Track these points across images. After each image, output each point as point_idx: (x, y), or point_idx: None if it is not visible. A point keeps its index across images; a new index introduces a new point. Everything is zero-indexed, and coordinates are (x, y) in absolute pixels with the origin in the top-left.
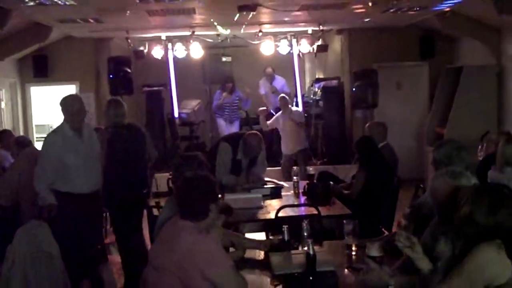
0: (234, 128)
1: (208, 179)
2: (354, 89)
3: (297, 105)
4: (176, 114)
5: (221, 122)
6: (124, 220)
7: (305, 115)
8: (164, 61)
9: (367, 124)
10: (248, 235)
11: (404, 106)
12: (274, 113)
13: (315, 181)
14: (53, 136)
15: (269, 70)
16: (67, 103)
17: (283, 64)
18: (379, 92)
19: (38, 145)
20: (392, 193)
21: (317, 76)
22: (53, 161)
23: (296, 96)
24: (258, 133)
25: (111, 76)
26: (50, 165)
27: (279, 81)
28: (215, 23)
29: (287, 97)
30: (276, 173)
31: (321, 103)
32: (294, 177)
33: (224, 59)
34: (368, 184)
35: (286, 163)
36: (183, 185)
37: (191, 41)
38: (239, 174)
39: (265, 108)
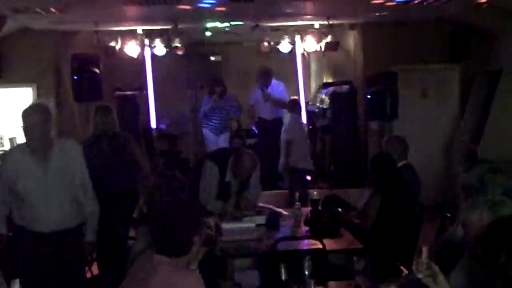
0: (223, 141)
1: (191, 206)
2: (369, 96)
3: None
4: (153, 125)
5: (208, 134)
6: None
7: (310, 127)
8: (140, 60)
9: (385, 139)
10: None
11: (430, 118)
12: (257, 129)
13: (320, 208)
14: (10, 155)
15: (264, 70)
16: (22, 116)
17: (283, 66)
18: (399, 101)
19: None
20: (413, 224)
21: (324, 81)
22: (3, 187)
23: (299, 104)
24: (251, 152)
25: (75, 77)
26: (1, 189)
27: (277, 86)
28: (203, 17)
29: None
30: (273, 197)
31: (329, 112)
32: (295, 204)
33: (212, 58)
34: (384, 212)
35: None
36: (160, 213)
37: (173, 36)
38: (228, 199)
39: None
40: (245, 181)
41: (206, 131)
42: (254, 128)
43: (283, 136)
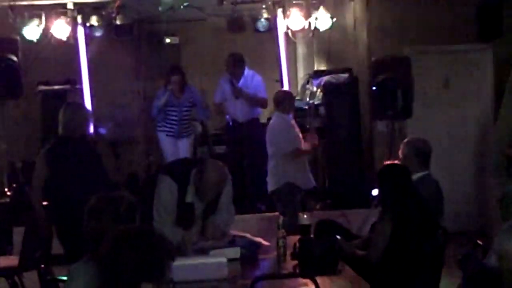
0: (183, 149)
1: (147, 238)
2: (375, 87)
3: None
4: (90, 129)
5: (164, 139)
6: None
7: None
8: (72, 44)
9: (402, 145)
10: None
11: (454, 115)
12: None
13: (312, 236)
14: None
15: (234, 57)
16: None
17: (261, 50)
18: (414, 93)
19: None
20: (434, 255)
21: (316, 68)
22: None
23: None
24: (220, 163)
25: None
26: None
27: (251, 78)
28: None
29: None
30: (251, 223)
31: (322, 110)
32: (280, 231)
33: (168, 40)
34: (396, 241)
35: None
36: (103, 250)
37: (115, 11)
38: (190, 225)
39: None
40: (212, 202)
41: (161, 136)
42: (224, 132)
43: (272, 145)
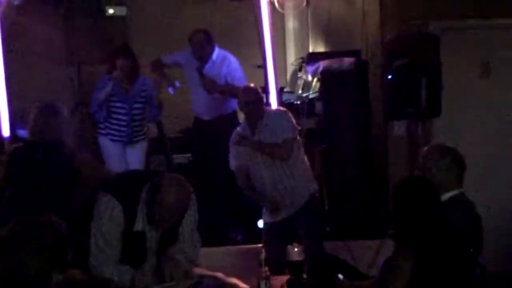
0: (134, 159)
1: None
2: (390, 76)
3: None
4: (5, 130)
5: (106, 145)
6: None
7: None
8: None
9: (425, 153)
10: None
11: (497, 112)
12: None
13: (305, 275)
14: None
15: (199, 36)
16: None
17: (237, 24)
18: (442, 83)
19: None
20: None
21: (311, 50)
22: None
23: (266, 92)
24: (181, 178)
25: None
26: None
27: (221, 61)
28: None
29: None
30: (223, 258)
31: (319, 106)
32: (262, 269)
33: (111, 10)
34: (418, 283)
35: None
36: None
37: None
38: (141, 262)
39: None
40: (171, 231)
41: (104, 141)
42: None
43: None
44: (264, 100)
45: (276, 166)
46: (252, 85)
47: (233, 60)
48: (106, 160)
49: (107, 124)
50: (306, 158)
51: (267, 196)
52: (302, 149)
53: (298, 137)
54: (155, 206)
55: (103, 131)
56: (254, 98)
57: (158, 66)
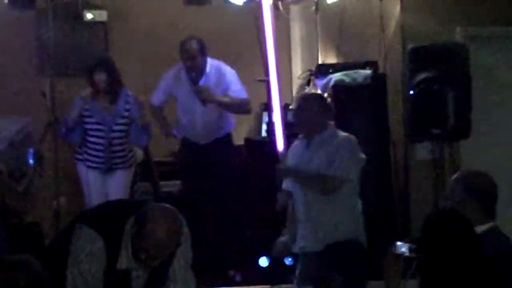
0: (115, 188)
1: None
2: (412, 91)
3: (271, 135)
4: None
5: (84, 173)
6: None
7: None
8: None
9: (452, 179)
10: None
11: None
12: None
13: None
14: None
15: (193, 45)
16: None
17: (233, 33)
18: (472, 99)
19: None
20: None
21: (320, 61)
22: None
23: (268, 109)
24: (171, 208)
25: None
26: None
27: (216, 73)
28: None
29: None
30: None
31: (329, 126)
32: None
33: (90, 15)
34: None
35: None
36: None
37: None
38: None
39: None
40: (160, 270)
41: (80, 167)
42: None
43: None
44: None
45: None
46: None
47: (228, 70)
48: (84, 189)
49: (84, 149)
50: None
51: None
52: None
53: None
54: (141, 240)
55: (79, 156)
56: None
57: (156, 113)
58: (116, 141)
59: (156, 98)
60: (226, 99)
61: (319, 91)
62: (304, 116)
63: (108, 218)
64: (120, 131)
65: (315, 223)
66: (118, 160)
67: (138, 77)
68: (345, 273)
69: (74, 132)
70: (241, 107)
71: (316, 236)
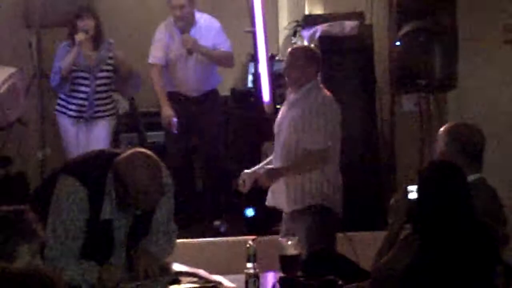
0: (98, 138)
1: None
2: (399, 42)
3: (257, 85)
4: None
5: (65, 123)
6: None
7: (277, 106)
8: None
9: (440, 131)
10: None
11: None
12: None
13: (300, 273)
14: None
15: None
16: None
17: None
18: (458, 52)
19: None
20: None
21: (307, 12)
22: None
23: (255, 60)
24: (154, 157)
25: None
26: None
27: (206, 27)
28: None
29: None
30: (208, 251)
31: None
32: (248, 265)
33: None
34: (434, 279)
35: None
36: None
37: None
38: (108, 256)
39: None
40: (143, 219)
41: (62, 120)
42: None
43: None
44: None
45: None
46: None
47: (215, 24)
48: (64, 141)
49: (67, 100)
50: None
51: None
52: None
53: None
54: (124, 190)
55: (61, 109)
56: None
57: (157, 76)
58: (100, 88)
59: (155, 58)
60: (211, 51)
61: (305, 42)
62: (289, 72)
63: (92, 168)
64: (105, 77)
65: (285, 186)
66: (101, 108)
67: (122, 35)
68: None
69: (67, 81)
70: (225, 60)
71: (287, 199)
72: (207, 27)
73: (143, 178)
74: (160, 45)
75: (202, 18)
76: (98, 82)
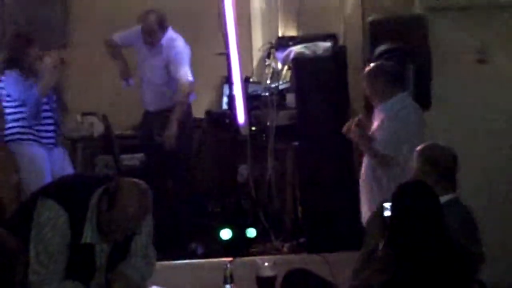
0: (63, 163)
1: None
2: (373, 64)
3: (232, 107)
4: None
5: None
6: None
7: (252, 128)
8: None
9: (415, 151)
10: None
11: (495, 103)
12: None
13: None
14: None
15: (150, 18)
16: None
17: (193, 6)
18: (432, 71)
19: None
20: None
21: (280, 33)
22: None
23: (229, 82)
24: (140, 183)
25: None
26: None
27: (170, 46)
28: None
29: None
30: (185, 274)
31: (290, 98)
32: (226, 287)
33: None
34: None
35: None
36: None
37: None
38: (89, 279)
39: None
40: (122, 243)
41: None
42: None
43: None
44: None
45: None
46: None
47: (177, 43)
48: (25, 171)
49: (35, 127)
50: None
51: None
52: None
53: None
54: (111, 215)
55: (24, 137)
56: None
57: (117, 52)
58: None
59: (118, 37)
60: (178, 113)
61: (279, 64)
62: None
63: (72, 192)
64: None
65: None
66: (60, 134)
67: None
68: None
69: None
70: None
71: None
72: (167, 48)
73: (132, 210)
74: (127, 36)
75: (169, 38)
76: (55, 105)
